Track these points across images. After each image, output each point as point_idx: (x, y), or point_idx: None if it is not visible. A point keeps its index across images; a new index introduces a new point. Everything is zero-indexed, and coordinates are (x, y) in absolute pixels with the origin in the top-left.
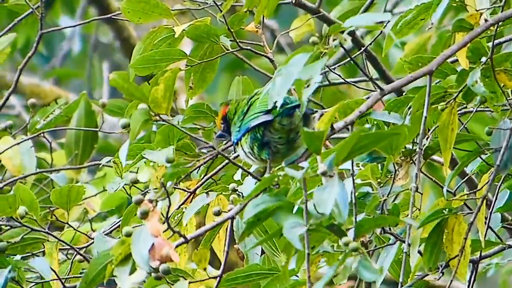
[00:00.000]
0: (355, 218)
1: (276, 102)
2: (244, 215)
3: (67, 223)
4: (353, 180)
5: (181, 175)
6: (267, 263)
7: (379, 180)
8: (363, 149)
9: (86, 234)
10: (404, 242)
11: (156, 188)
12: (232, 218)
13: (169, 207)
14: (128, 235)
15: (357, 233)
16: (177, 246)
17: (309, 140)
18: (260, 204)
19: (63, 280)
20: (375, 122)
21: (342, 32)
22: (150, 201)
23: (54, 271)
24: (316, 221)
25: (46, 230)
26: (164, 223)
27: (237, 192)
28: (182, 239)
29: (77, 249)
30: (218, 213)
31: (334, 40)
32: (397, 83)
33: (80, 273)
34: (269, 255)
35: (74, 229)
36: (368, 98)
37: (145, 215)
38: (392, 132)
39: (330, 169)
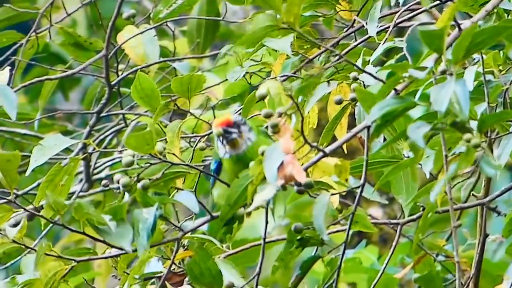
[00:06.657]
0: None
1: None
2: (369, 117)
3: (189, 111)
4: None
5: (312, 88)
6: (389, 150)
7: (500, 67)
8: (482, 44)
9: (207, 122)
10: None
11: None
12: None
13: (302, 121)
14: (263, 153)
15: (480, 129)
16: (316, 162)
17: (428, 39)
18: (385, 107)
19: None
20: (495, 10)
21: None
22: (280, 114)
23: (201, 203)
24: (439, 120)
25: (187, 163)
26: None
27: (359, 81)
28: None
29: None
30: (339, 102)
31: None
32: None
33: (202, 161)
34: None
35: (196, 117)
36: None
37: (275, 128)
38: (510, 25)
39: (449, 67)
